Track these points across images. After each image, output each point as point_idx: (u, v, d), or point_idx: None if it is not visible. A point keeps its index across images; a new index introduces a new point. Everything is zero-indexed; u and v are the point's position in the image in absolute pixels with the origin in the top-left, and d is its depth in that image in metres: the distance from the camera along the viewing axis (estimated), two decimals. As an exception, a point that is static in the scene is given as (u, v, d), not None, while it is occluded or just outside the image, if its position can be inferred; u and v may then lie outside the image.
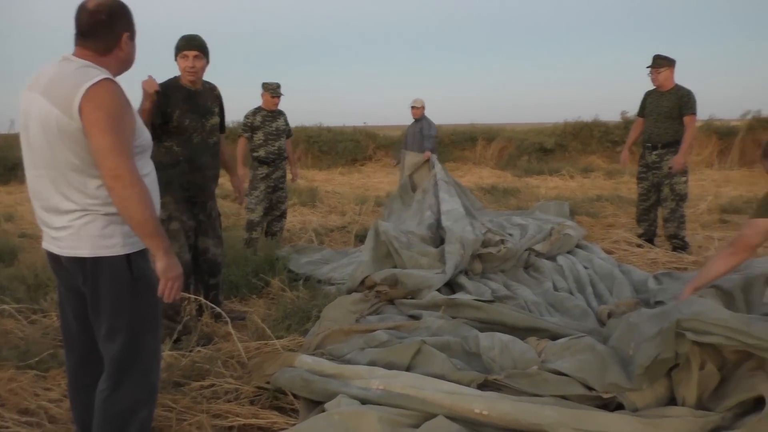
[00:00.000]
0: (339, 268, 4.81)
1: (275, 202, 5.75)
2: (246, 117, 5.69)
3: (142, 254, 1.98)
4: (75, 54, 1.91)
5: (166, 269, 1.89)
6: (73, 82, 1.79)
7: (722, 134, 13.85)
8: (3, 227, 7.17)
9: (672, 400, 2.17)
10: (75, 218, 1.88)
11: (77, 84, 1.78)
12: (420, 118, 7.73)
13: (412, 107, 7.75)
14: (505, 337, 2.74)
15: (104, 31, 1.88)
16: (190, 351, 3.11)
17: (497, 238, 4.84)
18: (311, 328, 3.35)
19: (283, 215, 5.87)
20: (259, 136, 5.60)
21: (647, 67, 5.50)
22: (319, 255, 5.30)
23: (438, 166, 6.78)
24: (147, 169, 2.01)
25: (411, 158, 7.32)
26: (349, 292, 4.05)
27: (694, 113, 5.34)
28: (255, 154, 5.65)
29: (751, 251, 2.73)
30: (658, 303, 3.60)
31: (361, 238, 6.00)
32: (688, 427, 1.95)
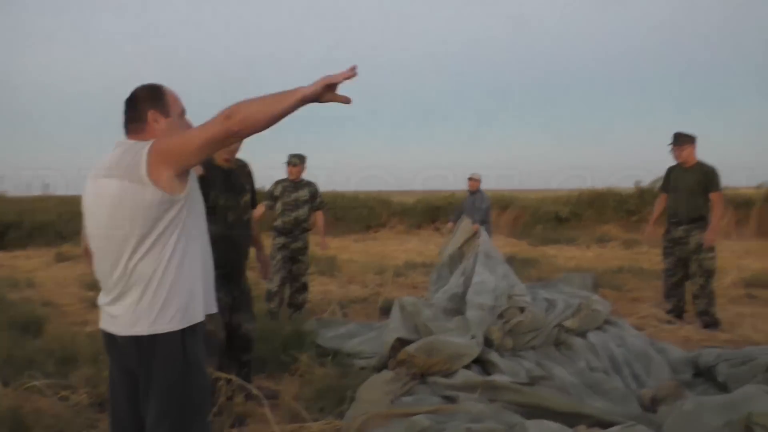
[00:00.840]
0: (367, 342, 4.75)
1: (295, 274, 5.75)
2: (270, 186, 5.82)
3: (195, 333, 1.97)
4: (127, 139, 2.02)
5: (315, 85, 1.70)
6: (134, 152, 1.87)
7: (738, 204, 13.86)
8: (25, 294, 7.18)
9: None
10: (137, 295, 1.89)
11: (138, 151, 1.86)
12: (476, 191, 8.05)
13: (470, 179, 8.07)
14: (554, 426, 2.66)
15: (133, 113, 2.01)
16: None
17: (520, 305, 4.83)
18: (347, 411, 3.28)
19: (304, 287, 5.86)
20: (278, 206, 5.70)
21: (669, 145, 5.58)
22: (345, 329, 5.24)
23: (484, 238, 6.85)
24: (201, 229, 2.09)
25: (466, 224, 7.48)
26: (380, 365, 4.06)
27: (720, 190, 5.38)
28: (274, 224, 5.72)
29: None
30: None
31: (385, 311, 5.95)
32: None
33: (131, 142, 1.97)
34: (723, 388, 3.54)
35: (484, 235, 7.04)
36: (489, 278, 5.58)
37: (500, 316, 4.85)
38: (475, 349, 3.99)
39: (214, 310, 2.08)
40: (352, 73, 1.69)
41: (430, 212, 16.30)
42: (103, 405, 3.37)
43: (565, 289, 6.43)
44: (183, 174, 1.89)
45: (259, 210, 5.82)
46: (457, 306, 5.16)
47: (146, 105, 2.01)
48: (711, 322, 5.35)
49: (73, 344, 4.27)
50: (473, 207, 7.97)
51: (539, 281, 7.54)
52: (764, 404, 2.15)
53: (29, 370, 3.86)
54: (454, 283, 5.89)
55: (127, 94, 2.04)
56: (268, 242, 5.74)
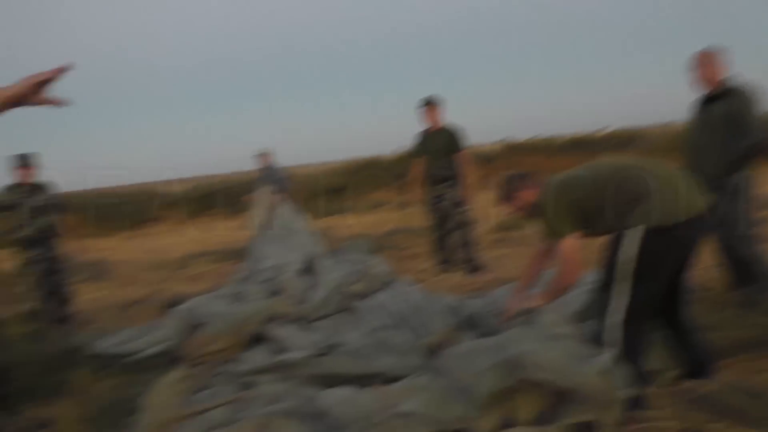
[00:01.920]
0: (152, 341, 4.45)
1: (55, 287, 5.12)
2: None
3: None
4: None
5: None
6: None
7: (482, 159, 15.63)
8: None
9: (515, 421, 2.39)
10: None
11: None
12: (268, 165, 8.34)
13: (260, 155, 8.36)
14: (347, 391, 2.76)
15: None
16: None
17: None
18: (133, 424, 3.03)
19: (67, 299, 5.24)
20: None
21: (418, 108, 6.03)
22: (127, 333, 4.82)
23: (286, 215, 6.90)
24: None
25: (263, 194, 7.62)
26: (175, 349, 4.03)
27: (465, 149, 6.00)
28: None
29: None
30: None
31: (172, 306, 5.61)
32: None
33: None
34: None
35: (285, 211, 7.09)
36: (276, 254, 5.63)
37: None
38: (264, 305, 4.30)
39: None
40: (61, 71, 1.46)
41: (205, 199, 15.68)
42: None
43: (348, 256, 6.69)
44: None
45: None
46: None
47: None
48: (475, 267, 6.00)
49: None
50: (271, 179, 8.00)
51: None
52: (530, 344, 2.47)
53: None
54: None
55: None
56: None
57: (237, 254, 8.30)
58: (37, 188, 5.08)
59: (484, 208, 11.14)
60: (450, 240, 6.24)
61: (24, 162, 4.98)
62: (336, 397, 2.71)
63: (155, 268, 8.13)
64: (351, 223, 11.45)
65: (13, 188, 5.00)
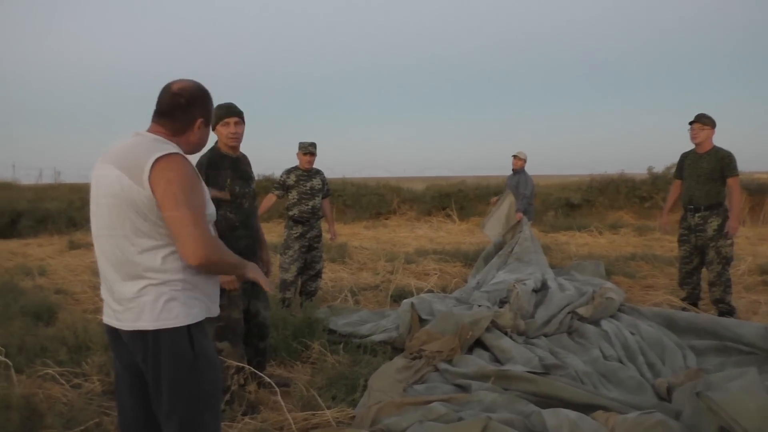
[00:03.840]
0: (379, 328, 4.75)
1: (310, 262, 5.72)
2: (281, 175, 5.76)
3: (201, 328, 1.95)
4: (149, 130, 1.97)
5: (259, 275, 2.14)
6: (145, 153, 1.84)
7: (753, 190, 13.67)
8: (38, 282, 7.22)
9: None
10: (139, 289, 1.86)
11: (148, 155, 1.82)
12: (519, 170, 7.86)
13: (514, 157, 7.96)
14: (572, 414, 2.63)
15: (181, 114, 1.95)
16: (236, 421, 3.03)
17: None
18: (360, 400, 3.26)
19: (318, 275, 5.84)
20: (293, 195, 5.63)
21: (690, 123, 5.47)
22: (357, 316, 5.23)
23: (525, 235, 6.82)
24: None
25: (510, 198, 7.48)
26: (400, 340, 4.30)
27: (737, 175, 5.29)
28: (290, 213, 5.68)
29: None
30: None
31: (395, 299, 5.93)
32: None
33: (151, 137, 1.92)
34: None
35: (525, 229, 6.96)
36: (509, 278, 5.64)
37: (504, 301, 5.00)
38: (489, 313, 4.29)
39: (216, 313, 2.04)
40: (268, 288, 2.28)
41: (441, 199, 16.20)
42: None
43: (577, 276, 6.39)
44: None
45: (271, 200, 5.79)
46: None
47: (198, 110, 1.98)
48: (727, 310, 5.28)
49: (85, 332, 4.27)
50: (516, 191, 7.73)
51: (552, 269, 7.49)
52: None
53: (42, 358, 3.88)
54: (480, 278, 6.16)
55: (139, 85, 1.99)
56: (278, 230, 5.72)
57: (464, 257, 8.44)
58: (315, 173, 5.75)
59: (749, 244, 9.77)
60: (700, 275, 5.57)
61: (307, 150, 5.68)
62: (560, 419, 2.60)
63: (388, 258, 8.63)
64: (585, 241, 10.89)
65: (294, 171, 5.72)
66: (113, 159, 1.88)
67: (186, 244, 1.81)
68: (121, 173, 1.83)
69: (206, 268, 1.89)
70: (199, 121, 1.99)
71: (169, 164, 1.82)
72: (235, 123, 3.49)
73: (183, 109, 1.95)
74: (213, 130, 3.48)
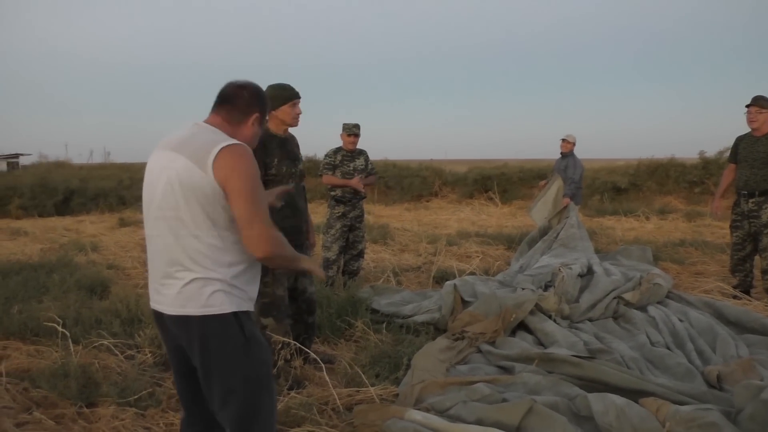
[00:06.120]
0: (422, 309, 4.76)
1: (352, 241, 5.78)
2: (327, 156, 5.81)
3: (248, 315, 1.98)
4: (206, 121, 2.01)
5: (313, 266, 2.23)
6: (210, 142, 1.87)
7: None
8: (91, 258, 7.49)
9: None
10: (188, 276, 1.87)
11: (213, 143, 1.86)
12: (568, 153, 7.74)
13: (563, 140, 7.84)
14: (620, 400, 2.59)
15: (242, 103, 2.02)
16: (282, 395, 3.10)
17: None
18: (403, 378, 3.30)
19: (360, 254, 5.89)
20: (336, 175, 5.69)
21: (746, 106, 5.27)
22: (399, 296, 5.25)
23: (572, 221, 6.72)
24: None
25: (558, 182, 7.40)
26: (443, 321, 4.32)
27: (797, 160, 5.08)
28: (332, 193, 5.74)
29: None
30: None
31: (437, 280, 5.94)
32: None
33: (211, 128, 1.96)
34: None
35: (572, 215, 6.83)
36: (554, 261, 5.58)
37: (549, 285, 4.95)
38: (533, 296, 4.30)
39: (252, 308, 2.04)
40: (321, 276, 2.31)
41: (483, 182, 16.05)
42: (167, 365, 3.50)
43: (624, 261, 6.26)
44: None
45: (333, 180, 5.75)
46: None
47: (257, 105, 2.05)
48: (781, 299, 5.11)
49: (137, 305, 4.43)
50: (564, 175, 7.56)
51: (597, 253, 7.35)
52: None
53: (97, 330, 4.04)
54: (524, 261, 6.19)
55: (200, 74, 2.02)
56: (321, 210, 5.78)
57: (506, 240, 8.37)
58: (358, 154, 5.80)
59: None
60: (753, 262, 5.40)
61: (352, 131, 5.72)
62: (606, 405, 2.57)
63: (429, 240, 8.63)
64: (631, 226, 10.64)
65: (339, 151, 5.78)
66: (176, 146, 1.91)
67: (252, 238, 1.85)
68: (185, 159, 1.86)
69: (268, 261, 1.94)
70: (256, 115, 2.04)
71: (234, 154, 1.85)
72: (299, 104, 3.54)
73: (244, 99, 2.02)
74: (275, 110, 3.49)
